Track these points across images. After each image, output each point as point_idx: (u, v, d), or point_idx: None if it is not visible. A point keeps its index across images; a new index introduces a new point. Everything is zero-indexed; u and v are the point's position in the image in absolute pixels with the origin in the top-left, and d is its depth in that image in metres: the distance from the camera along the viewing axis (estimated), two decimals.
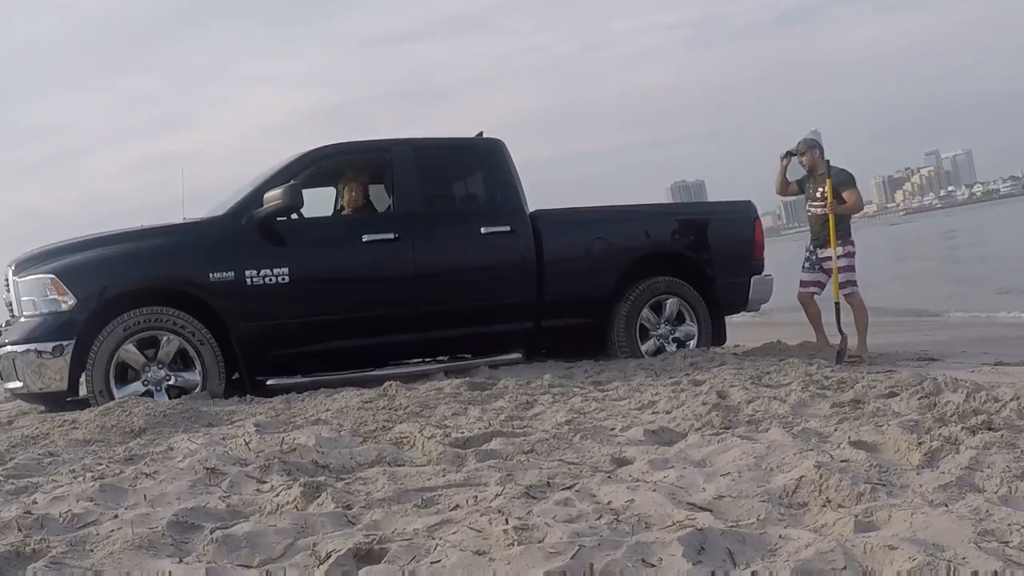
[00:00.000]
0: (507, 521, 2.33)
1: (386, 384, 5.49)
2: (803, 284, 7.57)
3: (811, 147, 7.60)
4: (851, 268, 7.40)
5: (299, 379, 6.03)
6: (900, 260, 29.05)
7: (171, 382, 5.81)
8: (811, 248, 7.58)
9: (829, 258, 7.34)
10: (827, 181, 7.32)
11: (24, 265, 5.96)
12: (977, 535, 2.08)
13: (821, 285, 7.53)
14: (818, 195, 7.44)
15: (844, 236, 7.39)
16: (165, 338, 5.77)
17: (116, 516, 2.69)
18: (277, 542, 2.34)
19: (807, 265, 7.58)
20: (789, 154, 7.65)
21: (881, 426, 3.43)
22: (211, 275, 5.92)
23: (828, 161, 7.49)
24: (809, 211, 7.60)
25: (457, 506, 2.66)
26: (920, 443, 3.07)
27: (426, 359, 7.00)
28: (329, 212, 7.20)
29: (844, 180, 7.41)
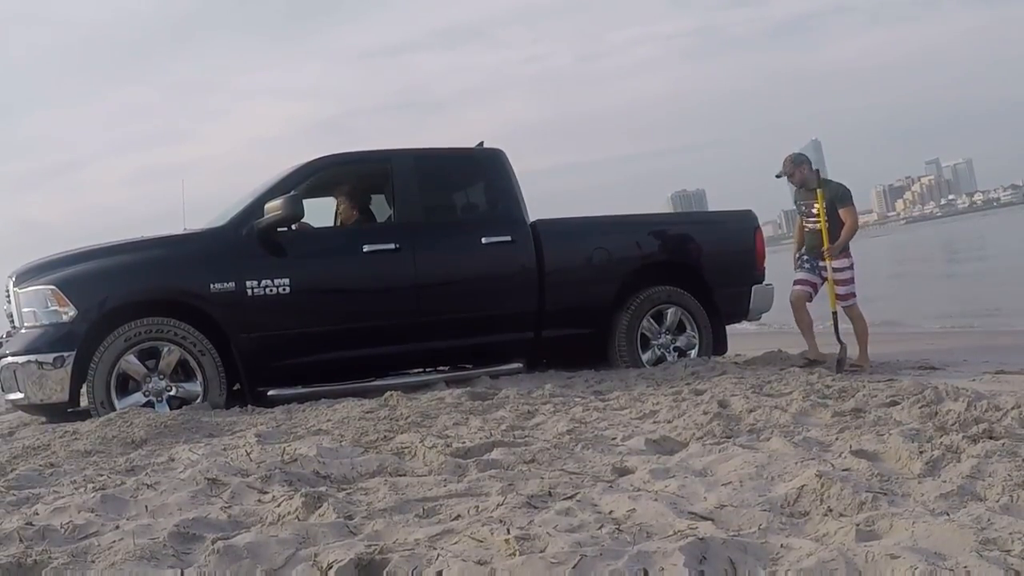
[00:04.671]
0: (508, 531, 2.33)
1: (387, 394, 5.49)
2: (799, 282, 7.32)
3: (798, 164, 7.35)
4: (851, 280, 7.26)
5: (300, 389, 6.03)
6: None
7: (172, 393, 5.81)
8: (807, 257, 7.37)
9: (835, 268, 7.15)
10: (818, 194, 7.11)
11: (25, 276, 5.97)
12: (979, 544, 2.07)
13: (816, 287, 7.36)
14: (813, 211, 7.23)
15: (843, 255, 7.21)
16: (166, 349, 5.78)
17: (117, 527, 2.68)
18: (279, 552, 2.34)
19: (807, 267, 7.34)
20: (776, 176, 7.44)
21: (882, 435, 3.43)
22: (212, 286, 5.93)
23: (818, 171, 7.31)
24: (806, 227, 7.38)
25: (458, 516, 2.66)
26: (921, 452, 3.07)
27: (427, 369, 7.00)
28: (330, 223, 7.22)
29: (840, 195, 7.21)
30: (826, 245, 7.10)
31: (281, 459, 3.56)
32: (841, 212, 7.17)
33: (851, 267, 7.28)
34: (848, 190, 7.32)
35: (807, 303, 7.35)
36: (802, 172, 7.33)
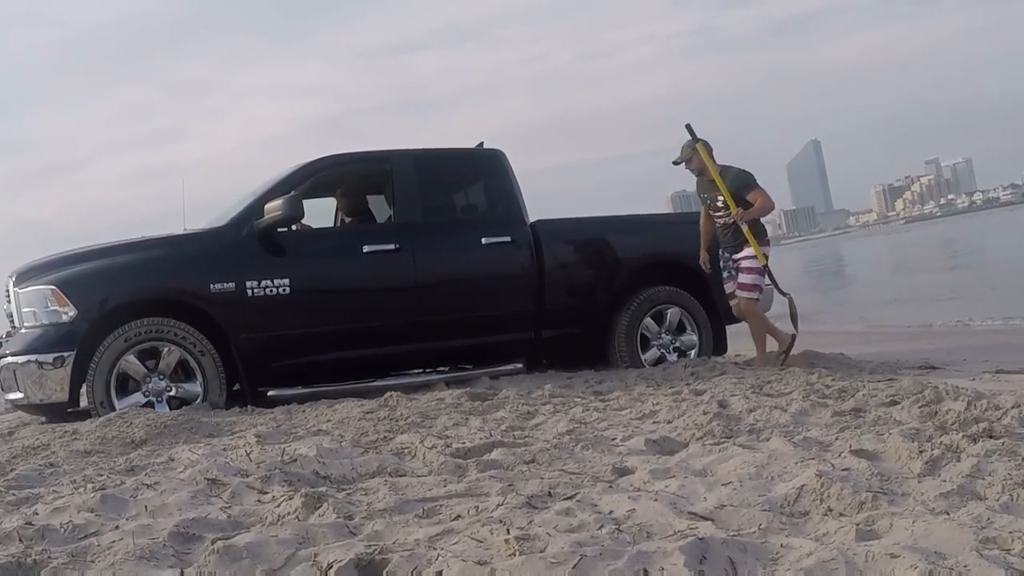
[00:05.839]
0: (508, 531, 2.33)
1: (387, 394, 5.49)
2: (732, 296, 6.88)
3: (697, 150, 6.83)
4: (760, 272, 6.77)
5: (300, 390, 6.03)
6: None
7: (172, 393, 5.81)
8: (726, 256, 6.91)
9: (746, 256, 6.73)
10: (723, 187, 6.67)
11: (25, 276, 5.97)
12: (979, 543, 2.07)
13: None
14: (720, 203, 6.79)
15: (759, 236, 6.78)
16: (166, 349, 5.78)
17: (117, 527, 2.68)
18: (278, 552, 2.34)
19: (726, 275, 6.92)
20: (674, 163, 6.94)
21: (882, 434, 3.43)
22: (212, 286, 5.93)
23: (711, 159, 6.80)
24: (716, 222, 6.89)
25: (458, 516, 2.66)
26: (921, 451, 3.07)
27: (427, 369, 7.01)
28: (330, 223, 7.23)
29: (743, 182, 6.73)
30: (749, 236, 6.63)
31: (281, 459, 3.56)
32: (749, 197, 6.70)
33: (766, 257, 6.80)
34: (751, 175, 6.81)
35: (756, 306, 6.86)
36: (699, 159, 6.84)
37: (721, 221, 6.89)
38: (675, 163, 6.98)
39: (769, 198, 6.77)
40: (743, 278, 6.77)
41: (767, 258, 6.83)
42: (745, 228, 6.71)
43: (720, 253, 6.99)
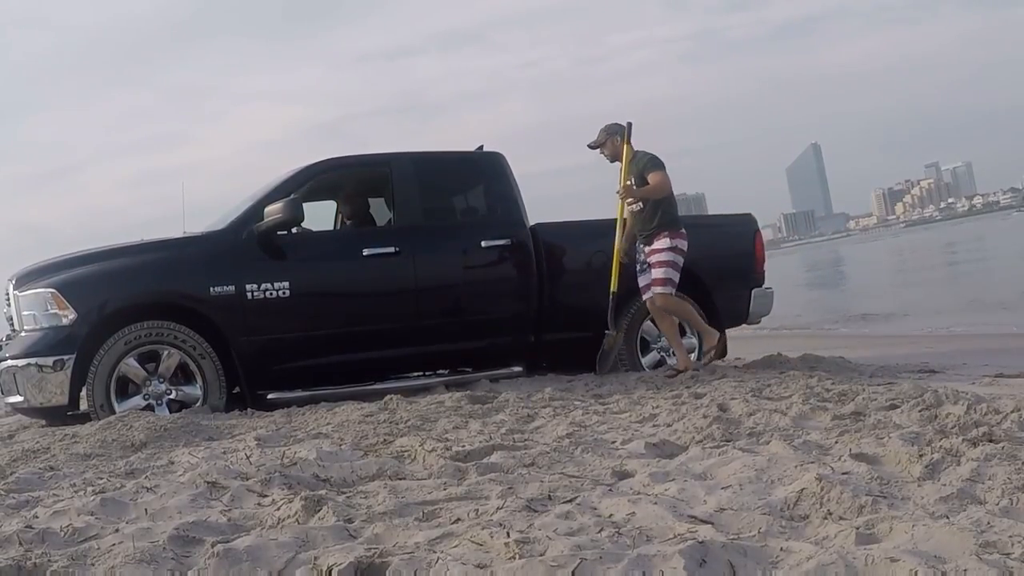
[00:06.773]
0: (508, 534, 2.33)
1: (387, 398, 5.50)
2: (644, 290, 6.71)
3: (611, 134, 6.68)
4: (674, 265, 6.57)
5: (300, 393, 6.03)
6: None
7: (172, 396, 5.83)
8: (640, 248, 6.72)
9: (656, 250, 6.58)
10: (625, 170, 6.56)
11: (25, 279, 5.98)
12: (978, 547, 2.07)
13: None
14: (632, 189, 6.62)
15: (671, 227, 6.61)
16: (166, 352, 5.79)
17: (117, 530, 2.69)
18: (278, 556, 2.34)
19: (640, 269, 6.74)
20: (589, 147, 6.79)
21: (882, 438, 3.43)
22: (212, 289, 5.94)
23: (627, 145, 6.63)
24: (631, 210, 6.73)
25: (458, 519, 2.66)
26: (921, 455, 3.07)
27: (427, 372, 7.01)
28: (330, 226, 7.23)
29: (647, 164, 6.55)
30: (617, 225, 6.54)
31: (281, 462, 3.56)
32: (649, 178, 6.52)
33: (678, 250, 6.60)
34: (658, 158, 6.61)
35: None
36: (615, 144, 6.70)
37: (631, 209, 6.73)
38: (590, 147, 6.84)
39: (666, 181, 6.56)
40: (655, 273, 6.58)
41: (676, 254, 6.60)
42: (626, 208, 6.65)
43: (637, 247, 6.80)
